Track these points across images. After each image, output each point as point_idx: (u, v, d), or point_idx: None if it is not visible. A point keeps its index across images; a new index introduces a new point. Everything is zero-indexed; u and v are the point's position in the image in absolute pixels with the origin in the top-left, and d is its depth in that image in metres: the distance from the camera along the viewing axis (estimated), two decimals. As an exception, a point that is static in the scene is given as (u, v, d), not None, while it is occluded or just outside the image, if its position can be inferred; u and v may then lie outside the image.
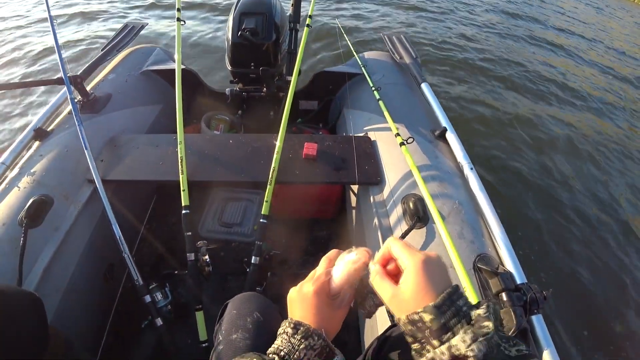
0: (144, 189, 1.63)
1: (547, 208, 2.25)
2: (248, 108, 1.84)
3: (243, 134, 1.42)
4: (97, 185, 1.17)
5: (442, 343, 0.41)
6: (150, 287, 1.26)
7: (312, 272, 0.57)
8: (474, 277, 0.96)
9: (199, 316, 1.12)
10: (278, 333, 0.54)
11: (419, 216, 1.08)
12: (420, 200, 1.11)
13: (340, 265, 0.55)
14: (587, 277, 1.90)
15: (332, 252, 0.58)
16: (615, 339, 1.68)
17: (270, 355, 0.52)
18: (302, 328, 0.51)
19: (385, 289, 0.48)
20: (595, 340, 1.65)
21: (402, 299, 0.45)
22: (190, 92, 1.88)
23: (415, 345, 0.44)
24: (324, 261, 0.57)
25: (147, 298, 1.14)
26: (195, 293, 1.13)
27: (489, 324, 0.40)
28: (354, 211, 1.43)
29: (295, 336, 0.51)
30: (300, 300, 0.55)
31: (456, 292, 0.43)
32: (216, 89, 1.94)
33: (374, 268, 0.51)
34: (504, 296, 0.87)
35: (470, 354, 0.38)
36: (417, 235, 1.06)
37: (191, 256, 1.14)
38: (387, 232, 1.13)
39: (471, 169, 1.25)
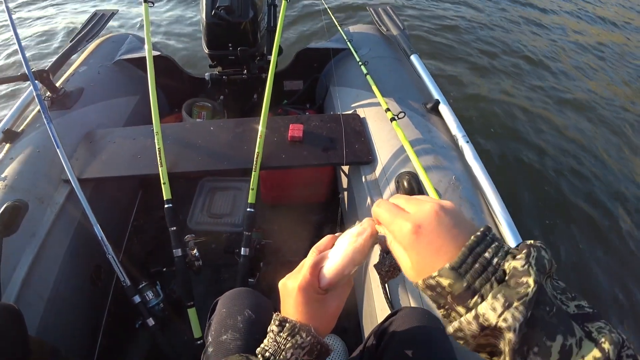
0: (126, 185, 1.56)
1: (548, 179, 2.19)
2: (230, 92, 1.75)
3: (224, 119, 1.35)
4: (74, 186, 1.11)
5: (468, 310, 0.33)
6: (140, 286, 1.21)
7: (301, 263, 0.51)
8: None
9: (192, 313, 1.08)
10: (267, 330, 0.48)
11: (414, 194, 1.03)
12: (414, 177, 1.05)
13: (340, 247, 0.47)
14: (592, 251, 1.86)
15: (323, 241, 0.51)
16: (621, 314, 1.65)
17: (259, 357, 0.47)
18: (287, 325, 0.46)
19: (397, 254, 0.40)
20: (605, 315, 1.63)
21: (411, 269, 0.38)
22: (167, 80, 1.79)
23: (441, 311, 0.37)
24: (312, 252, 0.50)
25: (137, 298, 1.10)
26: (186, 290, 1.08)
27: (529, 280, 0.30)
28: (346, 193, 1.37)
29: (281, 334, 0.46)
30: (286, 296, 0.49)
31: (482, 242, 0.34)
32: (195, 75, 1.84)
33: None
34: None
35: (502, 324, 0.29)
36: (413, 215, 1.01)
37: (178, 252, 1.09)
38: (382, 213, 1.08)
39: (467, 141, 1.19)
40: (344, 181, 1.38)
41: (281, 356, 0.45)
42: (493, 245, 0.34)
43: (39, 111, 1.36)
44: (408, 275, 0.39)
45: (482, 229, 0.35)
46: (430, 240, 0.35)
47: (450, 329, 0.35)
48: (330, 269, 0.47)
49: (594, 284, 1.74)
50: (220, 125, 1.31)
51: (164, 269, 1.28)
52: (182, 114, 1.69)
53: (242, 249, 1.08)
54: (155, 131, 1.18)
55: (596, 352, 0.29)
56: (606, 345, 0.29)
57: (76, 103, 1.43)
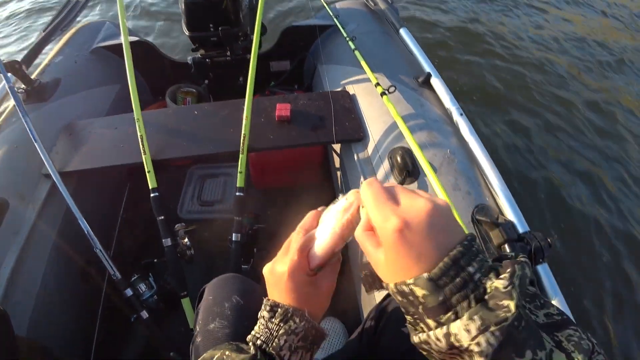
0: (112, 177, 1.52)
1: (544, 148, 2.16)
2: (215, 76, 1.68)
3: (208, 103, 1.30)
4: (55, 180, 1.06)
5: (439, 325, 0.30)
6: (132, 279, 1.18)
7: (286, 242, 0.47)
8: (473, 230, 0.89)
9: (186, 303, 1.05)
10: (258, 316, 0.46)
11: (408, 170, 1.00)
12: (408, 153, 1.02)
13: (326, 224, 0.44)
14: (592, 220, 1.84)
15: (308, 218, 0.48)
16: (623, 282, 1.64)
17: (250, 344, 0.44)
18: (279, 310, 0.43)
19: (367, 248, 0.36)
20: (604, 285, 1.61)
21: (384, 267, 0.34)
22: (148, 67, 1.72)
23: (407, 317, 0.34)
24: (298, 232, 0.47)
25: (129, 292, 1.06)
26: (178, 280, 1.05)
27: (510, 305, 0.27)
28: (338, 172, 1.34)
29: (273, 320, 0.43)
30: (275, 283, 0.46)
31: (467, 253, 0.30)
32: (177, 60, 1.77)
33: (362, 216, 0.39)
34: (506, 248, 0.82)
35: (475, 349, 0.27)
36: (408, 191, 0.98)
37: (167, 241, 1.06)
38: (376, 191, 1.05)
39: (461, 114, 1.16)
40: (336, 160, 1.35)
41: (274, 343, 0.42)
42: (478, 259, 0.30)
43: (14, 105, 1.30)
44: (378, 271, 0.36)
45: (468, 238, 0.31)
46: (414, 243, 0.31)
47: (415, 339, 0.33)
48: (319, 248, 0.44)
49: (591, 251, 1.73)
50: (204, 109, 1.25)
51: (155, 260, 1.25)
52: (166, 102, 1.63)
53: (234, 234, 1.05)
54: (136, 118, 1.13)
55: None
56: (576, 355, 0.28)
57: (53, 95, 1.37)
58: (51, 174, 1.07)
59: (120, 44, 1.60)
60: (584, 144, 2.21)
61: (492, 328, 0.27)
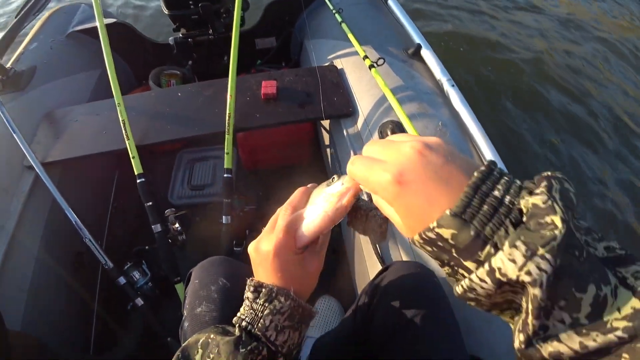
0: (99, 165, 1.48)
1: (538, 120, 2.14)
2: (199, 56, 1.62)
3: (191, 84, 1.26)
4: (38, 171, 1.03)
5: (479, 264, 0.26)
6: (126, 267, 1.17)
7: (272, 219, 0.46)
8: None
9: (179, 289, 1.04)
10: (243, 297, 0.44)
11: (398, 143, 0.97)
12: (398, 126, 0.99)
13: (318, 205, 0.42)
14: (587, 193, 1.82)
15: (297, 195, 0.46)
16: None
17: (236, 327, 0.43)
18: (264, 290, 0.42)
19: (385, 210, 0.34)
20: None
21: (402, 225, 0.32)
22: (129, 50, 1.66)
23: (445, 269, 0.30)
24: (286, 209, 0.45)
25: (122, 280, 1.06)
26: (170, 265, 1.04)
27: (555, 220, 0.23)
28: (329, 150, 1.31)
29: (257, 301, 0.42)
30: (260, 262, 0.44)
31: (489, 177, 0.27)
32: (159, 41, 1.70)
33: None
34: None
35: (526, 279, 0.23)
36: (399, 166, 0.96)
37: (157, 227, 1.04)
38: (367, 167, 1.03)
39: (452, 85, 1.13)
40: (326, 137, 1.32)
41: (259, 324, 0.41)
42: (502, 181, 0.27)
43: (-11, 96, 1.25)
44: (402, 232, 0.33)
45: (486, 164, 0.27)
46: (419, 187, 0.28)
47: (458, 289, 0.28)
48: (307, 228, 0.43)
49: (604, 218, 1.73)
50: (188, 90, 1.21)
51: (147, 247, 1.24)
52: (149, 85, 1.57)
53: (224, 217, 1.03)
54: (117, 103, 1.09)
55: (636, 302, 0.23)
56: None
57: (30, 83, 1.31)
58: (33, 165, 1.04)
59: (97, 27, 1.54)
60: (579, 112, 2.18)
61: (541, 251, 0.23)
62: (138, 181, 1.05)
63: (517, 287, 0.25)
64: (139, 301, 1.05)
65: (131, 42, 1.66)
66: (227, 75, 1.10)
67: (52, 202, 1.12)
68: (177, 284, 1.04)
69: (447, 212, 0.26)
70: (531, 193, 0.26)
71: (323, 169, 1.50)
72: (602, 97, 2.30)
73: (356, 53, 1.21)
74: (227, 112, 1.05)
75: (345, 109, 1.12)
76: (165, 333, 1.03)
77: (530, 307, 0.24)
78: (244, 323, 0.42)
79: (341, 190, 0.41)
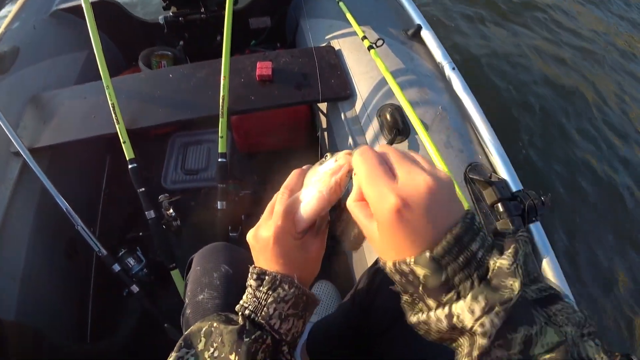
0: (89, 150, 1.44)
1: (539, 104, 2.10)
2: (190, 36, 1.56)
3: (183, 65, 1.21)
4: (25, 157, 1.00)
5: (440, 305, 0.29)
6: (120, 254, 1.16)
7: (269, 204, 0.44)
8: (465, 190, 0.86)
9: (175, 275, 1.03)
10: (246, 285, 0.43)
11: (398, 128, 0.95)
12: (398, 110, 0.97)
13: (313, 186, 0.41)
14: (586, 179, 1.82)
15: (292, 177, 0.45)
16: (617, 242, 1.65)
17: (239, 315, 0.42)
18: (267, 278, 0.41)
19: (361, 220, 0.34)
20: (596, 246, 1.61)
21: (379, 244, 0.32)
22: (117, 29, 1.59)
23: (405, 296, 0.33)
24: (283, 193, 0.43)
25: (116, 267, 1.04)
26: (165, 251, 1.03)
27: (515, 284, 0.26)
28: (326, 133, 1.28)
29: (261, 289, 0.41)
30: (260, 249, 0.43)
31: (470, 230, 0.29)
32: (149, 20, 1.63)
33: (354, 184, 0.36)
34: (500, 207, 0.80)
35: (478, 330, 0.26)
36: (399, 151, 0.94)
37: (150, 214, 1.02)
38: (365, 152, 1.00)
39: (453, 68, 1.10)
40: (323, 121, 1.29)
41: (263, 312, 0.40)
42: (479, 236, 0.29)
43: (-31, 79, 1.20)
44: (372, 245, 0.33)
45: (468, 215, 0.30)
46: (413, 223, 0.29)
47: (413, 319, 0.31)
48: (305, 211, 0.41)
49: (586, 209, 1.73)
50: (179, 71, 1.17)
51: (141, 234, 1.22)
52: (139, 67, 1.52)
53: (218, 202, 1.01)
54: (105, 85, 1.04)
55: (557, 337, 0.27)
56: (568, 329, 0.27)
57: (13, 66, 1.25)
58: (20, 151, 1.00)
59: (82, 6, 1.47)
60: (581, 101, 2.16)
61: (497, 308, 0.26)
62: (130, 167, 1.02)
63: (465, 334, 0.28)
64: (135, 288, 1.04)
65: (119, 22, 1.59)
66: (220, 56, 1.06)
67: (41, 189, 1.09)
68: (172, 270, 1.03)
69: (427, 254, 0.28)
70: (501, 253, 0.28)
71: (320, 152, 1.48)
72: (607, 79, 2.28)
73: (354, 33, 1.17)
74: (221, 94, 1.02)
75: (342, 91, 1.09)
76: (163, 319, 1.02)
77: (475, 353, 0.27)
78: (247, 311, 0.41)
79: (333, 168, 0.40)
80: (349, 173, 0.39)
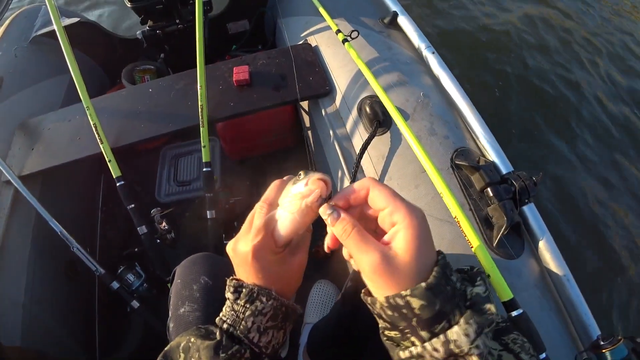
0: (83, 170, 1.45)
1: (525, 83, 2.06)
2: (170, 48, 1.56)
3: (162, 78, 1.21)
4: (16, 185, 1.01)
5: (433, 335, 0.30)
6: (119, 271, 1.16)
7: (249, 216, 0.44)
8: (453, 177, 0.83)
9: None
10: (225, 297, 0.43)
11: (379, 120, 0.94)
12: (377, 102, 0.95)
13: (284, 207, 0.41)
14: (578, 156, 1.79)
15: (272, 189, 0.44)
16: (611, 221, 1.61)
17: (218, 328, 0.42)
18: (244, 291, 0.40)
19: (368, 252, 0.33)
20: (592, 226, 1.58)
21: (396, 269, 0.31)
22: (98, 48, 1.59)
23: (392, 333, 0.32)
24: (262, 206, 0.43)
25: (114, 285, 1.05)
26: (160, 265, 1.03)
27: (492, 308, 0.31)
28: (310, 132, 1.27)
29: (238, 302, 0.40)
30: (239, 263, 0.43)
31: (447, 264, 0.32)
32: (127, 37, 1.63)
33: (343, 219, 0.36)
34: (489, 191, 0.77)
35: (475, 351, 0.28)
36: (381, 144, 0.93)
37: (142, 229, 1.03)
38: (348, 146, 0.99)
39: (432, 52, 1.08)
40: (306, 119, 1.28)
41: (241, 326, 0.40)
42: (450, 267, 0.33)
43: (-44, 112, 1.22)
44: (367, 283, 0.35)
45: (440, 253, 0.33)
46: (398, 269, 0.32)
47: (403, 354, 0.32)
48: (282, 230, 0.41)
49: (578, 188, 1.70)
50: (159, 85, 1.17)
51: (136, 249, 1.23)
52: (123, 84, 1.52)
53: (207, 212, 1.02)
54: (85, 106, 1.05)
55: None
56: (523, 356, 0.31)
57: None
58: (11, 180, 1.02)
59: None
60: (568, 81, 2.11)
61: (486, 329, 0.29)
62: (118, 185, 1.03)
63: (459, 359, 0.29)
64: (135, 303, 1.05)
65: (99, 41, 1.60)
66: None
67: (36, 214, 1.10)
68: (169, 283, 1.03)
69: (423, 285, 0.30)
70: (473, 283, 0.32)
71: (308, 152, 1.47)
72: (589, 61, 2.23)
73: (328, 28, 1.15)
74: (199, 103, 1.01)
75: (321, 88, 1.08)
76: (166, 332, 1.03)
77: None
78: (225, 325, 0.41)
79: (303, 193, 0.39)
80: (319, 199, 0.39)
